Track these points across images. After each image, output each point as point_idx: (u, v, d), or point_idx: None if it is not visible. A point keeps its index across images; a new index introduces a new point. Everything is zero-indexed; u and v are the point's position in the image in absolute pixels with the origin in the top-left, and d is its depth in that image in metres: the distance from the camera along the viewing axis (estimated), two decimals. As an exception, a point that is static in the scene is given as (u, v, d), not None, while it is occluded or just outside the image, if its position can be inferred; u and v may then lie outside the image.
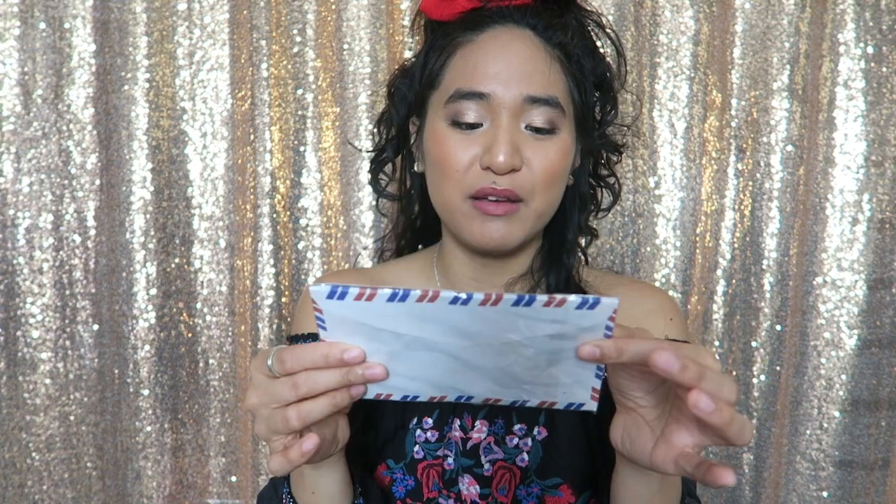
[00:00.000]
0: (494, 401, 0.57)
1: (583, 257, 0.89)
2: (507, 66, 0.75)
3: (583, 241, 0.89)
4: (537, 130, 0.76)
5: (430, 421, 0.81)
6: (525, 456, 0.80)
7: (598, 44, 0.84)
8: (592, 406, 0.56)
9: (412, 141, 0.86)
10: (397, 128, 0.86)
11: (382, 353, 0.54)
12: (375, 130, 0.90)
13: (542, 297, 0.49)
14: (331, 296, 0.51)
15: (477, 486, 0.79)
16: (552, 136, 0.76)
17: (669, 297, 0.89)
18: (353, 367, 0.54)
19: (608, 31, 0.83)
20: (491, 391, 0.57)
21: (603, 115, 0.84)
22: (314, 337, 0.86)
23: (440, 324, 0.51)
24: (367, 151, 0.93)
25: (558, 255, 0.85)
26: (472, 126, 0.76)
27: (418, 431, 0.80)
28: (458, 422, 0.81)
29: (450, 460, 0.79)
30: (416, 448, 0.80)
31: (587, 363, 0.52)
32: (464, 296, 0.49)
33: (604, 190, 0.89)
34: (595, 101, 0.82)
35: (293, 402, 0.55)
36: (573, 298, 0.49)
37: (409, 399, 0.57)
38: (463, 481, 0.79)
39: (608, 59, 0.84)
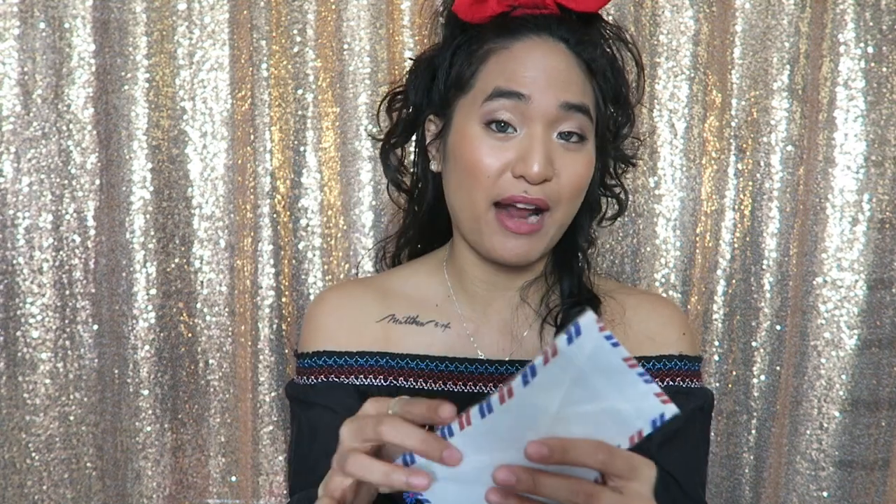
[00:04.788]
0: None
1: (586, 263, 0.90)
2: (545, 74, 0.76)
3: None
4: (569, 137, 0.76)
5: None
6: None
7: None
8: (673, 409, 0.53)
9: (428, 140, 0.86)
10: (413, 114, 0.86)
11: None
12: (385, 109, 0.89)
13: (538, 359, 0.49)
14: (443, 434, 0.53)
15: None
16: (581, 147, 0.77)
17: (678, 308, 0.91)
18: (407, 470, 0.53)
19: (630, 46, 0.85)
20: None
21: (618, 128, 0.85)
22: (320, 355, 0.86)
23: (492, 440, 0.52)
24: (378, 139, 0.93)
25: (569, 261, 0.86)
26: (505, 126, 0.76)
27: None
28: None
29: None
30: None
31: (627, 381, 0.51)
32: (486, 405, 0.51)
33: (610, 199, 0.90)
34: (611, 115, 0.83)
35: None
36: (560, 339, 0.49)
37: None
38: None
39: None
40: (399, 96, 0.88)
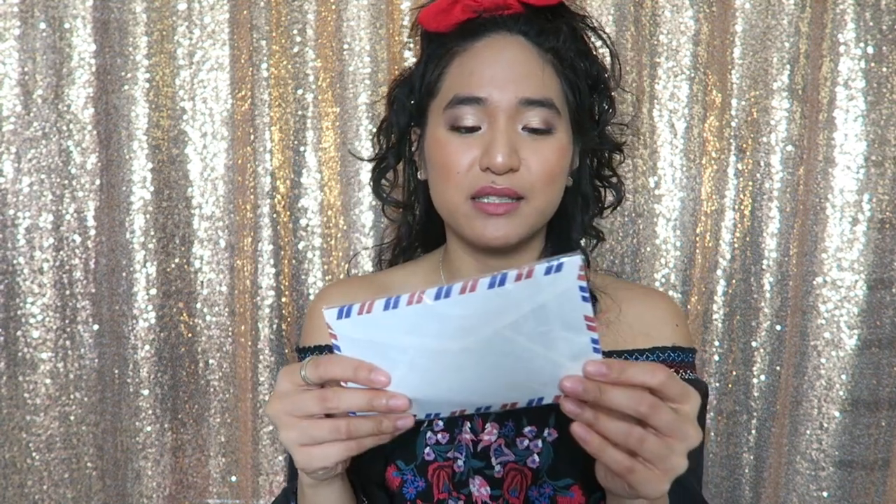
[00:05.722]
0: (511, 405, 0.57)
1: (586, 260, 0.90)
2: (502, 71, 0.77)
3: (585, 244, 0.90)
4: (534, 131, 0.77)
5: (440, 423, 0.81)
6: (536, 457, 0.80)
7: (597, 45, 0.85)
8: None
9: (414, 149, 0.87)
10: (398, 136, 0.87)
11: (396, 374, 0.55)
12: (375, 140, 0.92)
13: (512, 272, 0.50)
14: (339, 315, 0.54)
15: (488, 488, 0.79)
16: (548, 136, 0.78)
17: (674, 302, 0.91)
18: (377, 395, 0.56)
19: (600, 32, 0.85)
20: (506, 395, 0.57)
21: (600, 114, 0.86)
22: (322, 349, 0.87)
23: (435, 326, 0.53)
24: (369, 160, 0.95)
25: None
26: (471, 130, 0.78)
27: (429, 433, 0.81)
28: (468, 424, 0.82)
29: (460, 462, 0.80)
30: (427, 450, 0.81)
31: (581, 341, 0.53)
32: (445, 289, 0.51)
33: (608, 190, 0.91)
34: (592, 102, 0.84)
35: (317, 414, 0.57)
36: (539, 265, 0.50)
37: (431, 417, 0.59)
38: (474, 483, 0.79)
39: (604, 60, 0.85)
40: (384, 124, 0.90)
